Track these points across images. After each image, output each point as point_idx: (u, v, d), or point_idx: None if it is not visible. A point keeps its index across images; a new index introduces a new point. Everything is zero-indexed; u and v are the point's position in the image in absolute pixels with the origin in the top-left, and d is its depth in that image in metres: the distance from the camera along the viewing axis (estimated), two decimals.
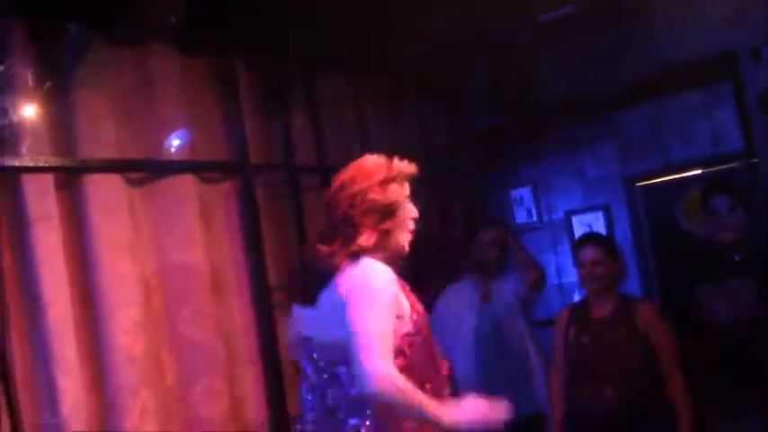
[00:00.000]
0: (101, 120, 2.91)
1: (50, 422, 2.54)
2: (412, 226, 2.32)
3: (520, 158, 4.81)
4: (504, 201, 4.85)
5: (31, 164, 2.69)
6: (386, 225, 2.25)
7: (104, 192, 2.86)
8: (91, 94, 2.90)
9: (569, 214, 4.72)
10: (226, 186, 3.25)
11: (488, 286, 3.66)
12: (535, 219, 4.81)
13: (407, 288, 2.30)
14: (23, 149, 2.70)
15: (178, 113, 3.14)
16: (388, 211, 2.25)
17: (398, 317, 2.16)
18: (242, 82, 3.37)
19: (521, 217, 4.84)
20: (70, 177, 2.81)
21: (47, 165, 2.74)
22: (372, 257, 2.21)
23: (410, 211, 2.33)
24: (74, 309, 2.68)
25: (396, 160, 2.34)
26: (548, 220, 4.78)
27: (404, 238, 2.31)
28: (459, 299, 3.70)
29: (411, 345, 2.18)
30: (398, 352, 2.13)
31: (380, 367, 2.00)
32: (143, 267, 2.92)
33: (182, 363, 2.95)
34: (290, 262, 3.36)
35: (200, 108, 3.22)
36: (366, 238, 2.21)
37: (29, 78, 2.77)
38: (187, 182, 3.11)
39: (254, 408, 3.11)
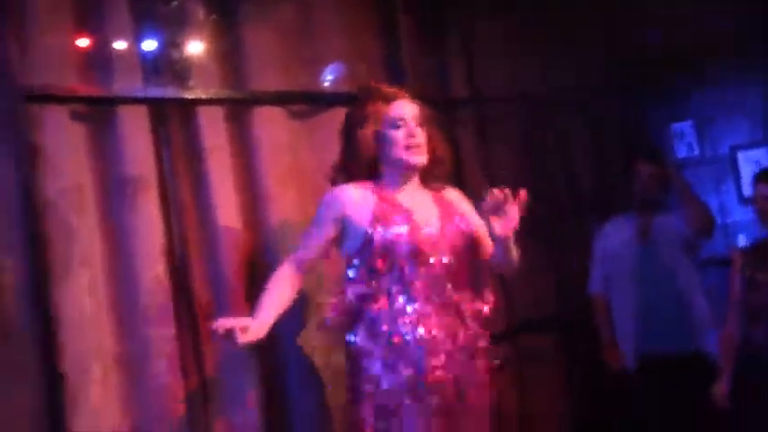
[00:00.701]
0: (267, 53, 2.99)
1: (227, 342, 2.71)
2: (407, 143, 2.36)
3: (681, 90, 4.56)
4: (665, 134, 4.62)
5: (203, 96, 2.81)
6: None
7: (270, 123, 2.96)
8: (257, 27, 2.98)
9: (735, 149, 4.45)
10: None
11: (649, 223, 3.53)
12: (697, 153, 4.57)
13: (395, 206, 2.36)
14: (195, 82, 2.83)
15: (339, 46, 3.18)
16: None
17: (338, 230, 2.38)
18: (401, 14, 3.34)
19: (681, 151, 4.61)
20: (239, 109, 2.92)
21: (217, 97, 2.86)
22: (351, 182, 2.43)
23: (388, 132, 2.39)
24: (245, 236, 2.82)
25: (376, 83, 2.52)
26: (710, 156, 4.53)
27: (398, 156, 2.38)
28: (618, 235, 3.59)
29: (366, 255, 2.31)
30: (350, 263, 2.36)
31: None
32: (305, 196, 3.01)
33: None
34: None
35: (361, 40, 3.25)
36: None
37: (199, 13, 2.88)
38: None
39: None
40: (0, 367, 2.31)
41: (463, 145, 3.54)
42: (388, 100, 2.41)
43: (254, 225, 2.89)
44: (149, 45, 2.75)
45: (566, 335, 3.87)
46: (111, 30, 2.66)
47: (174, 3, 2.81)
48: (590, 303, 3.64)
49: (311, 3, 3.15)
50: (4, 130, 2.41)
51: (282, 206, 2.92)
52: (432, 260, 2.30)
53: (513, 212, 2.22)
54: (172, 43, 2.80)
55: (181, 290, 2.68)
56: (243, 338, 2.17)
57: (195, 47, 2.85)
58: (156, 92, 2.72)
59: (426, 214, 2.37)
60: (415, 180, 2.44)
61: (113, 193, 2.60)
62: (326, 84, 3.19)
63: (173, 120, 2.78)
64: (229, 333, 2.17)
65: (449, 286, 2.33)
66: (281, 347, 2.84)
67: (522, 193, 2.21)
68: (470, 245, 2.41)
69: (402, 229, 2.29)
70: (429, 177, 2.46)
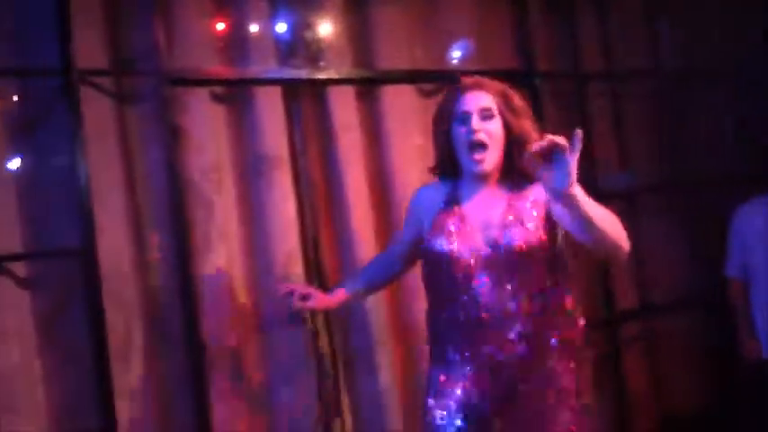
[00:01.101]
0: (395, 32, 3.03)
1: (355, 315, 2.81)
2: (467, 140, 2.10)
3: None
4: None
5: (335, 76, 2.88)
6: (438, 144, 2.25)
7: (399, 102, 3.00)
8: (386, 7, 3.02)
9: None
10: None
11: None
12: None
13: (455, 215, 2.14)
14: (327, 62, 2.90)
15: (468, 23, 3.17)
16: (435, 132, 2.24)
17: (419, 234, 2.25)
18: None
19: None
20: (368, 88, 2.98)
21: (348, 77, 2.93)
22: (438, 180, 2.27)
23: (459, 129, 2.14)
24: (373, 213, 2.89)
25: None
26: None
27: (463, 157, 2.13)
28: (756, 220, 3.41)
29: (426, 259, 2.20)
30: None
31: None
32: (432, 175, 3.04)
33: None
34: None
35: (489, 16, 3.22)
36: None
37: None
38: None
39: None
40: (151, 339, 2.52)
41: (596, 121, 3.45)
42: (461, 92, 2.16)
43: (383, 202, 2.95)
44: (283, 27, 2.85)
45: (700, 318, 3.73)
46: (247, 14, 2.77)
47: None
48: (726, 286, 3.49)
49: None
50: (151, 112, 2.58)
51: (410, 183, 2.95)
52: (475, 284, 2.06)
53: (568, 161, 1.77)
54: (304, 25, 2.89)
55: (312, 263, 2.79)
56: (299, 304, 2.32)
57: (326, 28, 2.92)
58: (289, 73, 2.81)
59: (487, 225, 2.11)
60: (493, 181, 2.16)
61: (249, 171, 2.73)
62: (455, 61, 3.19)
63: (305, 100, 2.87)
64: (288, 295, 2.32)
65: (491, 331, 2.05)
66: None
67: (578, 132, 1.78)
68: (543, 256, 2.07)
69: (442, 243, 2.11)
70: (516, 175, 2.14)
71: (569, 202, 1.83)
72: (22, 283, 2.41)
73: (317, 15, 2.91)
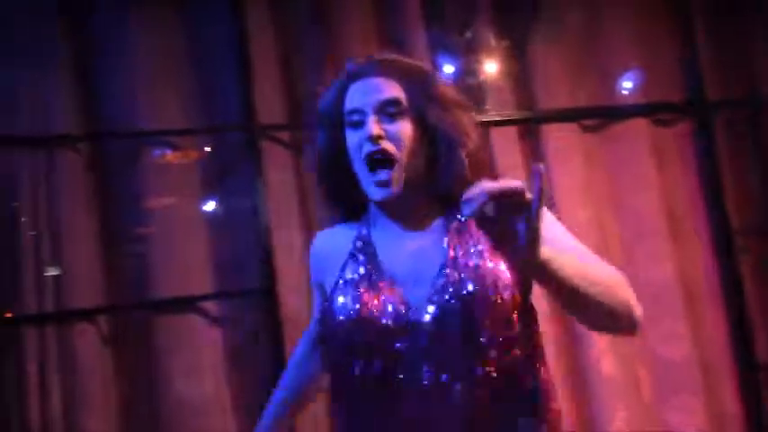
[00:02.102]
0: (556, 71, 3.06)
1: None
2: (363, 153, 1.39)
3: None
4: None
5: (498, 118, 2.95)
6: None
7: (561, 139, 3.02)
8: (546, 46, 3.06)
9: None
10: (681, 127, 3.16)
11: None
12: None
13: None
14: (489, 105, 2.98)
15: (630, 57, 3.14)
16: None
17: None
18: (697, 18, 3.21)
19: None
20: (530, 128, 3.02)
21: (510, 118, 2.99)
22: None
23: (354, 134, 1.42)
24: None
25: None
26: None
27: (361, 179, 1.42)
28: None
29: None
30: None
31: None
32: (599, 210, 3.02)
33: (639, 301, 2.99)
34: (754, 205, 3.15)
35: (651, 48, 3.17)
36: None
37: (490, 39, 3.04)
38: (640, 125, 3.10)
39: (718, 352, 3.02)
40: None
41: None
42: (349, 80, 1.45)
43: None
44: (446, 73, 2.97)
45: None
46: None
47: (468, 33, 2.99)
48: None
49: (599, 15, 3.15)
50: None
51: (576, 222, 2.95)
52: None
53: (530, 216, 1.14)
54: (467, 70, 2.99)
55: None
56: None
57: (488, 72, 3.01)
58: None
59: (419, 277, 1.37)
60: (415, 207, 1.43)
61: None
62: (633, 92, 3.16)
63: None
64: None
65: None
66: None
67: (538, 168, 1.14)
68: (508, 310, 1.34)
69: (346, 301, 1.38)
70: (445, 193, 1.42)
71: (538, 273, 1.23)
72: (212, 320, 2.63)
73: (479, 60, 3.01)
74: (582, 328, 2.72)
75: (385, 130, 1.39)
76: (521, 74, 3.07)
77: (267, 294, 2.61)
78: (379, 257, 1.41)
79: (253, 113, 2.70)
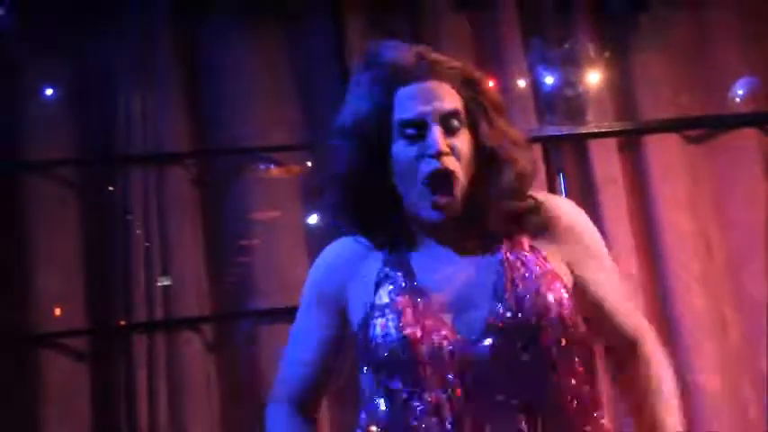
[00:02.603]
0: (659, 80, 2.99)
1: None
2: (427, 171, 1.25)
3: None
4: None
5: (596, 129, 2.91)
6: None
7: (664, 151, 2.94)
8: (648, 54, 2.99)
9: None
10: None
11: None
12: None
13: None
14: (589, 116, 2.94)
15: (737, 64, 3.03)
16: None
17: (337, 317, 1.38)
18: None
19: None
20: (631, 139, 2.96)
21: (610, 129, 2.93)
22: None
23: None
24: (639, 268, 2.84)
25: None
26: None
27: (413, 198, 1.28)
28: None
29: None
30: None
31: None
32: (704, 224, 2.93)
33: (746, 321, 2.89)
34: None
35: (760, 54, 3.05)
36: None
37: (589, 50, 2.99)
38: (749, 135, 2.99)
39: None
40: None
41: None
42: (400, 80, 1.29)
43: (650, 255, 2.88)
44: (543, 86, 2.95)
45: None
46: (508, 75, 2.90)
47: (566, 45, 2.96)
48: None
49: (705, 20, 3.05)
50: None
51: (679, 235, 2.87)
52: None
53: None
54: (564, 81, 2.96)
55: None
56: None
57: (587, 82, 2.97)
58: (550, 129, 2.89)
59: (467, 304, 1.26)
60: (464, 225, 1.32)
61: None
62: (742, 100, 3.06)
63: (566, 155, 2.93)
64: None
65: None
66: None
67: None
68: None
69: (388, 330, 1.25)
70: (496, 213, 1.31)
71: None
72: None
73: (577, 71, 2.97)
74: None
75: (449, 144, 1.25)
76: (622, 84, 3.01)
77: None
78: (421, 281, 1.28)
79: None
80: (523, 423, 1.19)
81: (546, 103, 2.95)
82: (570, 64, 2.98)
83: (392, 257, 1.30)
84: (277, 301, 2.68)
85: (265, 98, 2.84)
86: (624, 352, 1.36)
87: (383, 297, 1.26)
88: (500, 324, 1.21)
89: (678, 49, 3.04)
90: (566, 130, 2.90)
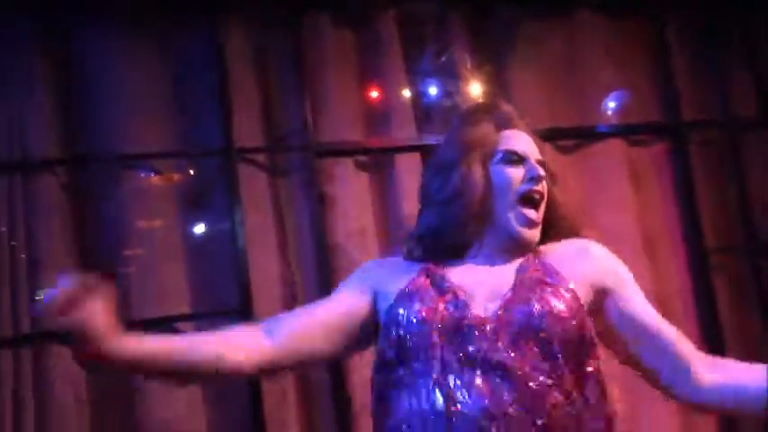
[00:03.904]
0: (532, 92, 3.10)
1: None
2: (524, 189, 1.51)
3: None
4: None
5: None
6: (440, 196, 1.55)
7: None
8: (523, 69, 3.11)
9: None
10: (657, 148, 3.20)
11: None
12: None
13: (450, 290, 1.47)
14: None
15: (606, 79, 3.18)
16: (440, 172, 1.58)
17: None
18: (673, 40, 3.25)
19: None
20: None
21: None
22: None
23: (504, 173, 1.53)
24: None
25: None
26: None
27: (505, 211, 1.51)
28: None
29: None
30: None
31: None
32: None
33: None
34: (729, 224, 3.17)
35: (628, 71, 3.21)
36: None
37: (467, 62, 3.08)
38: (616, 146, 3.14)
39: None
40: (303, 395, 2.68)
41: (751, 171, 3.31)
42: (502, 125, 1.58)
43: None
44: (420, 96, 3.02)
45: None
46: (387, 85, 2.97)
47: (444, 57, 3.04)
48: None
49: (576, 37, 3.19)
50: (300, 183, 2.81)
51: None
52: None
53: None
54: (441, 92, 3.04)
55: None
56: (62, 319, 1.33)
57: (464, 94, 3.05)
58: (427, 138, 2.96)
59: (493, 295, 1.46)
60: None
61: (392, 233, 2.87)
62: (610, 113, 3.20)
63: None
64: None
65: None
66: None
67: None
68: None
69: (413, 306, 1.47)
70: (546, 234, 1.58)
71: None
72: None
73: (455, 82, 3.05)
74: None
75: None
76: (497, 96, 3.10)
77: (243, 315, 2.64)
78: (448, 278, 1.48)
79: (231, 137, 2.75)
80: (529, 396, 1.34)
81: (425, 113, 3.02)
82: (448, 76, 3.06)
83: (430, 267, 1.51)
84: (155, 311, 2.63)
85: (143, 106, 2.78)
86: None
87: (411, 286, 1.47)
88: (508, 316, 1.39)
89: (550, 63, 3.17)
90: (442, 139, 2.97)
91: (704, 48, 3.31)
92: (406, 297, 1.46)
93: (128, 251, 2.68)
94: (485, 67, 3.10)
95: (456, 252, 1.52)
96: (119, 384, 2.56)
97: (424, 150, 2.94)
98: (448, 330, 1.39)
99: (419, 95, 3.03)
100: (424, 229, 1.56)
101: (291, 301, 2.74)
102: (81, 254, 2.64)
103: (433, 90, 3.05)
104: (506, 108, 1.62)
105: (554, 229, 1.57)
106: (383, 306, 1.50)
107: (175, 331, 2.63)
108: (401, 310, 1.44)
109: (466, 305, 1.41)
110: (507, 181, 1.50)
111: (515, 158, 1.52)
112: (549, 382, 1.34)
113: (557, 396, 1.34)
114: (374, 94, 2.99)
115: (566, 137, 3.13)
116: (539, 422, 1.32)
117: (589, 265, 1.53)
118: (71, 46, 2.74)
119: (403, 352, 1.41)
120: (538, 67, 3.14)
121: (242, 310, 2.64)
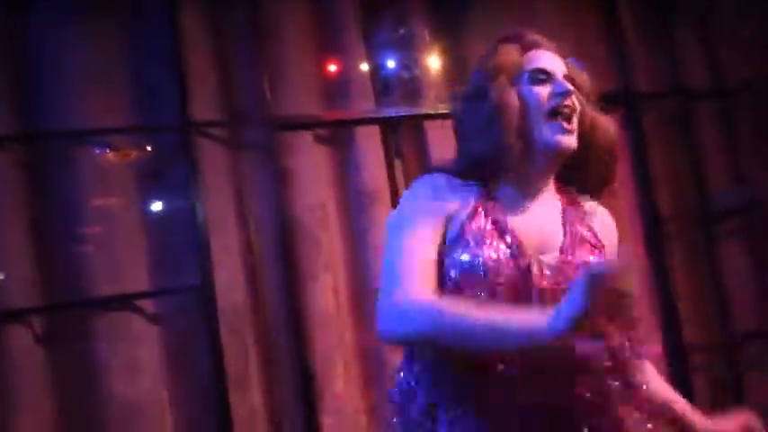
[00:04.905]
0: None
1: None
2: (554, 104, 1.51)
3: None
4: None
5: (432, 111, 3.00)
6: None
7: None
8: (479, 40, 3.11)
9: None
10: (611, 118, 3.23)
11: None
12: None
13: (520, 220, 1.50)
14: (425, 100, 3.03)
15: (561, 49, 3.20)
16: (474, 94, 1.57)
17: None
18: (626, 12, 3.29)
19: None
20: None
21: (446, 111, 3.03)
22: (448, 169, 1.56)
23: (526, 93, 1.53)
24: None
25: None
26: None
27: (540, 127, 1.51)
28: None
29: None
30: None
31: (390, 301, 1.42)
32: None
33: None
34: (683, 192, 3.24)
35: (582, 41, 3.23)
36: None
37: (425, 35, 3.08)
38: None
39: (647, 338, 3.10)
40: (265, 368, 2.69)
41: (704, 141, 3.37)
42: (527, 48, 1.60)
43: None
44: (380, 67, 3.01)
45: None
46: (346, 57, 2.95)
47: (403, 29, 3.03)
48: None
49: (531, 8, 3.21)
50: (260, 157, 2.80)
51: None
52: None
53: None
54: (400, 64, 3.03)
55: None
56: None
57: (423, 66, 3.05)
58: (387, 111, 2.96)
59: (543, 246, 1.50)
60: (547, 188, 1.57)
61: (352, 206, 2.88)
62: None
63: (404, 136, 3.00)
64: None
65: None
66: None
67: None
68: None
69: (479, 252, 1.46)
70: (581, 176, 1.59)
71: None
72: (149, 318, 2.65)
73: (413, 54, 3.05)
74: None
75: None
76: (456, 67, 3.11)
77: (203, 291, 2.63)
78: (507, 219, 1.49)
79: (188, 112, 2.72)
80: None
81: (384, 85, 3.01)
82: (407, 47, 3.05)
83: (484, 193, 1.51)
84: (113, 289, 2.61)
85: (99, 83, 2.73)
86: None
87: (473, 225, 1.46)
88: (563, 264, 1.45)
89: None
90: (403, 111, 2.98)
91: (657, 19, 3.36)
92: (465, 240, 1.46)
93: (84, 229, 2.65)
94: (443, 39, 3.10)
95: (503, 175, 1.53)
96: (79, 360, 2.54)
97: (384, 123, 2.94)
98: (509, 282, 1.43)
99: (378, 68, 3.02)
100: (467, 158, 1.53)
101: (252, 277, 2.75)
102: (35, 232, 2.60)
103: (391, 63, 3.04)
104: (530, 33, 1.65)
105: (587, 171, 1.58)
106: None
107: (134, 309, 2.63)
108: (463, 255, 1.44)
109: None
110: (536, 99, 1.52)
111: (542, 77, 1.54)
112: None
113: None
114: (332, 67, 2.97)
115: None
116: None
117: (613, 240, 1.61)
118: (27, 20, 2.67)
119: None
120: (495, 39, 3.13)
121: (202, 287, 2.63)
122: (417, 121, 3.00)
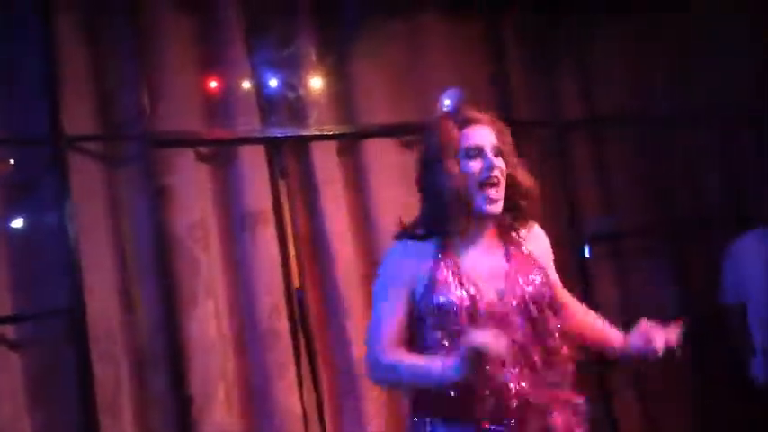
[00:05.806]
0: (376, 88, 3.13)
1: (342, 364, 2.86)
2: (483, 177, 1.83)
3: None
4: None
5: (317, 132, 2.98)
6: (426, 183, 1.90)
7: (381, 155, 3.09)
8: (367, 65, 3.12)
9: None
10: None
11: None
12: None
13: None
14: (310, 119, 3.00)
15: (447, 76, 3.26)
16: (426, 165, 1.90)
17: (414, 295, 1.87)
18: (509, 41, 3.39)
19: None
20: (351, 143, 3.07)
21: (331, 132, 3.02)
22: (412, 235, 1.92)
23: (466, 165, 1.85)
24: (358, 265, 2.96)
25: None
26: None
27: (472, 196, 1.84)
28: (749, 253, 3.42)
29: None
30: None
31: (368, 355, 1.87)
32: None
33: None
34: (558, 222, 3.35)
35: (468, 68, 3.31)
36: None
37: (312, 55, 3.06)
38: None
39: None
40: (140, 393, 2.58)
41: (577, 167, 3.51)
42: (464, 125, 1.89)
43: (367, 254, 3.01)
44: (265, 87, 2.97)
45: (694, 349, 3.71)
46: (230, 75, 2.89)
47: (290, 48, 3.00)
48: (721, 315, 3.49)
49: (419, 38, 3.25)
50: (137, 174, 2.69)
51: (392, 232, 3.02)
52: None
53: (660, 340, 1.92)
54: (286, 84, 3.00)
55: (297, 316, 2.85)
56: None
57: (308, 86, 3.03)
58: (272, 131, 2.91)
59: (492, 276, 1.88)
60: (491, 232, 1.91)
61: (234, 227, 2.81)
62: (445, 109, 3.27)
63: (288, 156, 2.97)
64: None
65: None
66: None
67: (677, 324, 1.94)
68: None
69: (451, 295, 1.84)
70: (512, 212, 1.92)
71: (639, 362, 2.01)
72: (12, 345, 2.48)
73: (299, 74, 3.02)
74: None
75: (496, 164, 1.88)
76: (342, 89, 3.11)
77: (74, 315, 2.50)
78: (465, 265, 1.86)
79: (60, 125, 2.58)
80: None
81: (269, 104, 2.97)
82: (293, 67, 3.02)
83: (442, 246, 1.87)
84: None
85: None
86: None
87: (439, 276, 1.84)
88: (513, 294, 1.85)
89: (394, 59, 3.21)
90: (288, 132, 2.94)
91: (537, 51, 3.48)
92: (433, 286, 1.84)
93: None
94: (329, 59, 3.09)
95: (455, 231, 1.87)
96: None
97: (269, 143, 2.90)
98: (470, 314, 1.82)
99: (262, 86, 2.98)
100: (426, 218, 1.91)
101: (127, 299, 2.63)
102: None
103: (276, 82, 3.00)
104: (466, 109, 1.96)
105: (519, 210, 1.92)
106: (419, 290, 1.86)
107: None
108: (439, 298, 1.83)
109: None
110: (471, 173, 1.85)
111: (473, 153, 1.86)
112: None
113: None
114: (216, 82, 2.90)
115: (409, 132, 3.17)
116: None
117: (546, 247, 2.00)
118: None
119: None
120: (382, 62, 3.16)
121: (73, 310, 2.49)
122: (302, 142, 2.97)
